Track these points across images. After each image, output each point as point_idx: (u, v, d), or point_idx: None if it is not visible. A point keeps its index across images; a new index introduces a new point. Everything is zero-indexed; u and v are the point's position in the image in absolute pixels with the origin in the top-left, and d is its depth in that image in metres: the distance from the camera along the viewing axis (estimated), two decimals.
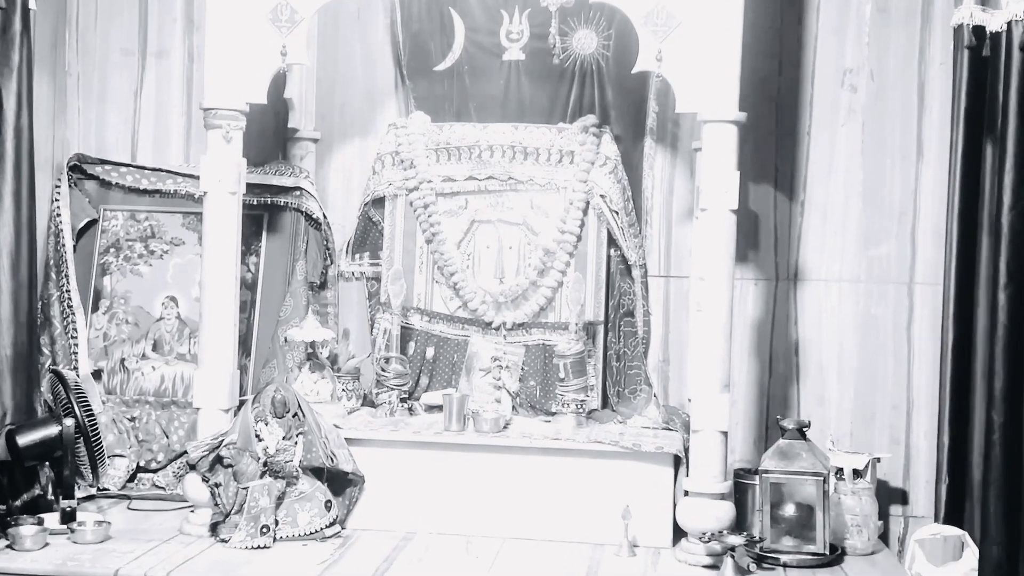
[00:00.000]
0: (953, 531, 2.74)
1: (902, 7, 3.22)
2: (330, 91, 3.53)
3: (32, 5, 3.15)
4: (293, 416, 2.89)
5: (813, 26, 3.30)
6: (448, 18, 3.38)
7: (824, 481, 2.75)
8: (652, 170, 3.37)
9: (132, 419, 3.38)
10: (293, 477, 2.85)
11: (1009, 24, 2.67)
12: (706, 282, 2.77)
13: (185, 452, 3.06)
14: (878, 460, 3.00)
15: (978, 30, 2.80)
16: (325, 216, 3.44)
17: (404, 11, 3.41)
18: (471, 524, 2.89)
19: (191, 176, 3.31)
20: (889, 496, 3.17)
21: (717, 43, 2.72)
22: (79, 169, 3.54)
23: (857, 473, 2.92)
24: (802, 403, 3.30)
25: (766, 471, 2.80)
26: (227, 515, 2.80)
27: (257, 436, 2.85)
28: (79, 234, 3.51)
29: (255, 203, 3.33)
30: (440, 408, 3.04)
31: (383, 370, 3.19)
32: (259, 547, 2.72)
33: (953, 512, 2.87)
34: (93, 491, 3.16)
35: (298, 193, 3.42)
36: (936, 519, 2.93)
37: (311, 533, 2.81)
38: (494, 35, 3.35)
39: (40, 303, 3.39)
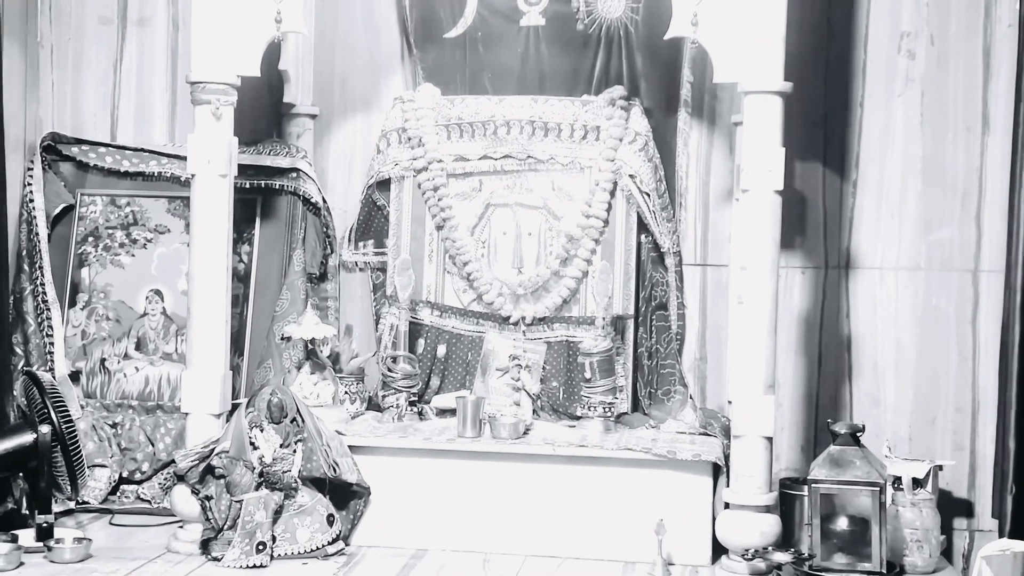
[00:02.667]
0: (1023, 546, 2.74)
1: None
2: (329, 62, 3.54)
3: None
4: (291, 421, 2.89)
5: None
6: None
7: (880, 492, 2.72)
8: (687, 147, 3.36)
9: (114, 425, 3.39)
10: (292, 489, 2.85)
11: None
12: (748, 271, 2.77)
13: (173, 462, 3.07)
14: (940, 468, 2.99)
15: None
16: (325, 200, 3.45)
17: None
18: (488, 540, 2.89)
19: (177, 157, 3.32)
20: (953, 508, 3.15)
21: (759, 5, 2.70)
22: (53, 150, 3.55)
23: (917, 483, 2.89)
24: (855, 405, 3.29)
25: (816, 481, 2.76)
26: (219, 531, 2.80)
27: (252, 444, 2.85)
28: (54, 221, 3.53)
29: (248, 186, 3.34)
30: (453, 412, 3.04)
31: (390, 370, 3.17)
32: (255, 566, 2.72)
33: (1021, 524, 2.84)
34: (72, 505, 3.16)
35: (295, 175, 3.43)
36: (1003, 533, 2.89)
37: (312, 550, 2.81)
38: (511, 1, 3.36)
39: (12, 298, 3.42)
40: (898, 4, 3.28)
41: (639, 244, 3.26)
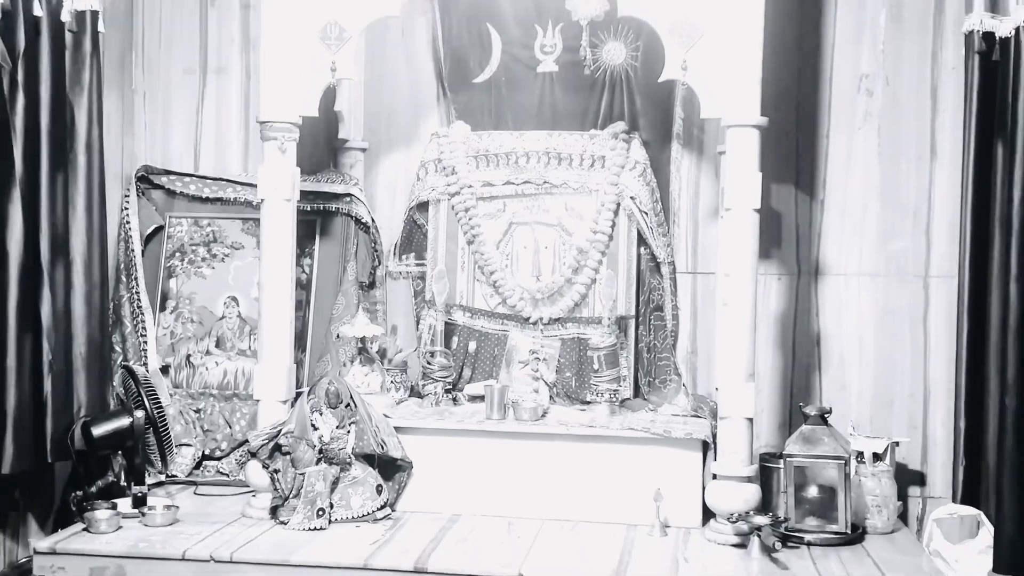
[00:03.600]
0: (969, 511, 2.74)
1: (915, 15, 3.20)
2: (377, 103, 3.54)
3: (101, 28, 3.20)
4: (346, 406, 2.90)
5: (830, 34, 3.29)
6: (486, 34, 3.37)
7: (845, 464, 2.77)
8: (679, 173, 3.35)
9: (197, 411, 3.41)
10: (346, 463, 2.86)
11: (1017, 30, 2.67)
12: (731, 278, 2.77)
13: (246, 441, 3.08)
14: (897, 444, 2.99)
15: (988, 36, 2.80)
16: (373, 220, 3.45)
17: (444, 28, 3.42)
18: (512, 507, 2.90)
19: (249, 184, 3.34)
20: (908, 478, 3.15)
21: (739, 52, 2.72)
22: (146, 180, 3.56)
23: (877, 457, 2.92)
24: (824, 391, 3.29)
25: (790, 455, 2.80)
26: (286, 499, 2.82)
27: (313, 425, 2.86)
28: (147, 240, 3.53)
29: (308, 209, 3.34)
30: (482, 398, 3.04)
31: (429, 363, 3.19)
32: (315, 529, 2.74)
33: (969, 493, 2.86)
34: (162, 478, 3.19)
35: (348, 199, 3.43)
36: (953, 499, 2.91)
37: (364, 515, 2.82)
38: (529, 49, 3.35)
39: (112, 304, 3.43)
40: (858, 50, 3.27)
41: (639, 255, 3.25)
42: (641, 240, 3.23)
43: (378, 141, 3.54)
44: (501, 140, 3.33)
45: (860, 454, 2.91)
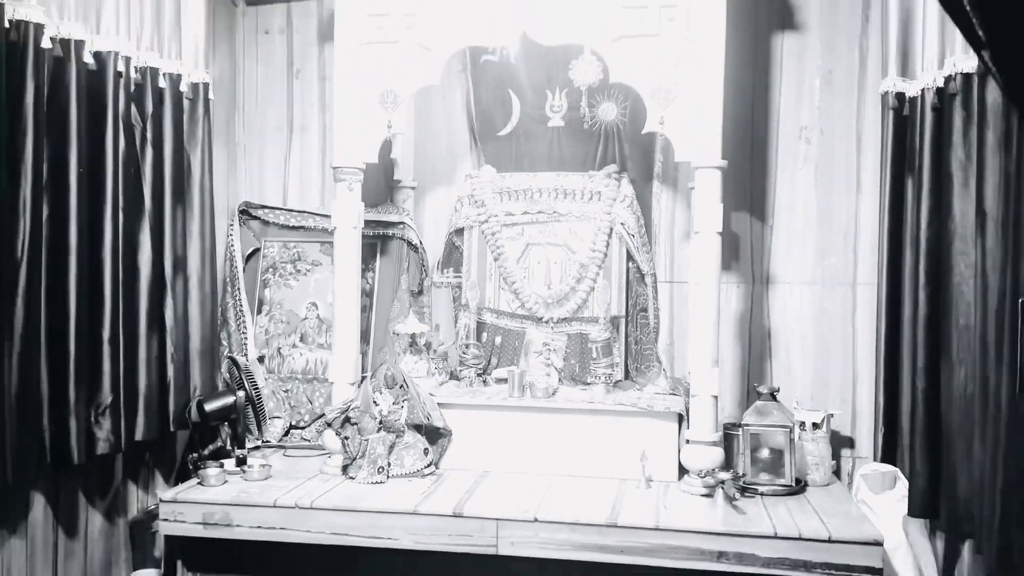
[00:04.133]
0: (888, 468, 2.76)
1: (843, 79, 3.20)
2: (423, 152, 3.55)
3: (210, 95, 3.27)
4: (400, 387, 2.92)
5: (777, 95, 3.28)
6: (507, 98, 3.39)
7: (790, 432, 2.78)
8: (659, 204, 3.35)
9: (286, 391, 3.43)
10: (400, 431, 2.87)
11: (922, 91, 2.67)
12: (700, 286, 2.78)
13: (324, 414, 3.11)
14: (831, 416, 2.99)
15: (899, 95, 2.82)
16: (421, 243, 3.47)
17: (475, 93, 3.43)
18: (529, 465, 2.91)
19: (325, 216, 3.36)
20: (840, 442, 3.16)
21: (704, 110, 2.73)
22: (246, 212, 3.60)
23: (815, 426, 2.91)
24: (774, 375, 3.29)
25: (747, 424, 2.82)
26: (353, 459, 2.84)
27: (374, 402, 2.89)
28: (247, 259, 3.57)
29: (371, 234, 3.37)
30: (506, 380, 3.06)
31: (464, 353, 3.20)
32: (377, 482, 2.77)
33: (888, 453, 2.87)
34: (259, 443, 3.23)
35: (401, 226, 3.47)
36: (875, 459, 2.92)
37: (414, 472, 2.84)
38: (541, 109, 3.36)
39: (219, 309, 3.47)
40: (799, 107, 3.26)
41: (628, 268, 3.25)
42: (629, 257, 3.23)
43: (424, 181, 3.56)
44: (520, 179, 3.35)
45: (802, 423, 2.90)
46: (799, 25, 3.25)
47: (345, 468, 2.84)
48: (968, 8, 0.93)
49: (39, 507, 2.73)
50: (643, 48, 2.78)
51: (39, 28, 2.50)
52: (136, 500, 3.21)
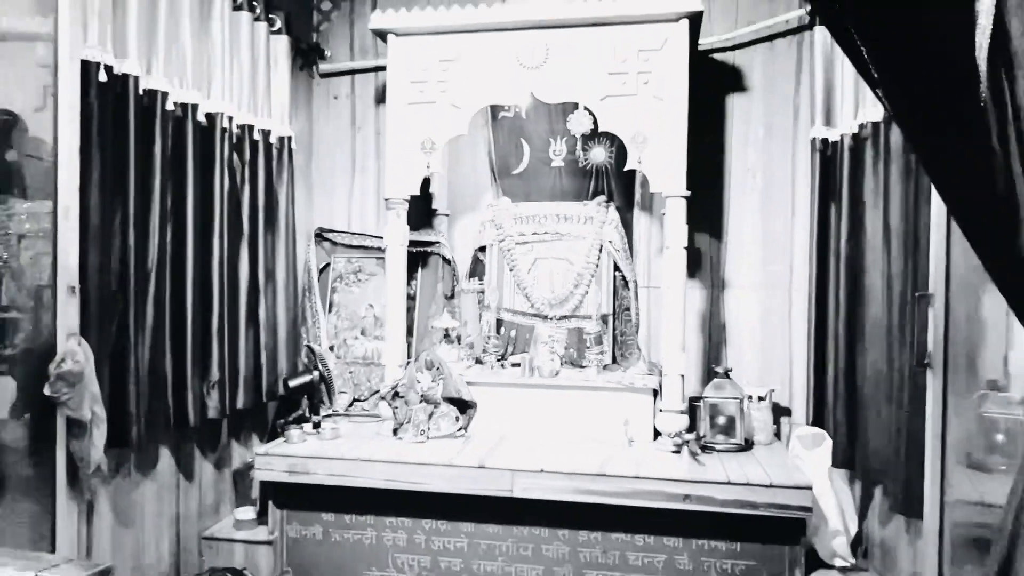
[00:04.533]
0: (817, 430, 2.76)
1: (780, 129, 3.20)
2: (456, 186, 3.54)
3: (293, 145, 3.31)
4: (437, 369, 2.91)
5: (730, 141, 3.28)
6: (520, 144, 3.40)
7: (741, 402, 2.79)
8: (639, 225, 3.34)
9: (350, 372, 3.43)
10: (437, 403, 2.87)
11: (842, 136, 2.74)
12: (670, 290, 2.79)
13: (378, 390, 3.12)
14: (773, 391, 3.00)
15: (824, 140, 2.85)
16: (453, 258, 3.46)
17: (495, 141, 3.43)
18: (537, 431, 2.90)
19: (379, 237, 3.35)
20: (780, 411, 3.14)
21: (672, 151, 2.75)
22: (320, 235, 3.60)
23: (760, 398, 2.92)
24: (729, 359, 3.27)
25: (706, 397, 2.85)
26: (401, 424, 2.86)
27: (417, 380, 2.88)
28: (320, 271, 3.57)
29: (414, 251, 3.35)
30: (519, 364, 3.04)
31: (486, 343, 3.20)
32: (419, 442, 2.78)
33: (817, 418, 2.87)
34: (330, 412, 3.24)
35: (438, 245, 3.46)
36: (807, 423, 2.92)
37: (448, 434, 2.85)
38: (545, 152, 3.36)
39: (300, 309, 3.49)
40: (746, 150, 3.25)
41: (614, 277, 3.23)
42: (616, 267, 3.22)
43: (455, 209, 3.55)
44: (529, 208, 3.34)
45: (750, 396, 2.89)
46: (746, 87, 3.26)
47: (395, 431, 2.87)
48: (864, 54, 0.97)
49: (165, 458, 2.77)
50: (624, 105, 2.80)
51: (165, 95, 2.59)
52: (237, 454, 3.23)
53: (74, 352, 2.19)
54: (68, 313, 2.26)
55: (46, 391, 2.15)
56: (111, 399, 2.35)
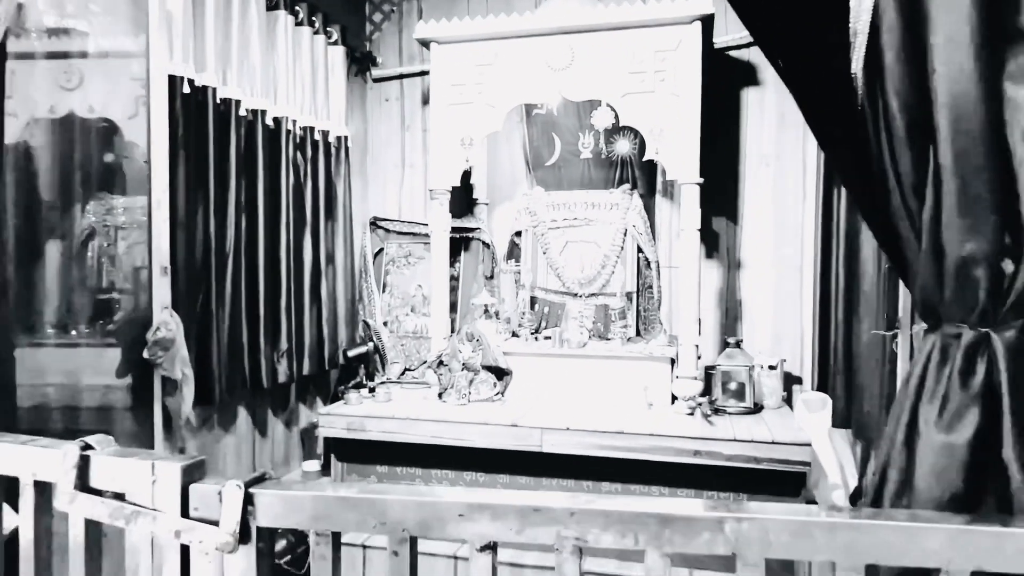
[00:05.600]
0: (820, 394, 2.77)
1: (791, 119, 3.17)
2: (494, 176, 3.59)
3: (349, 143, 3.42)
4: (477, 341, 2.97)
5: (745, 131, 3.29)
6: (552, 138, 3.44)
7: (751, 370, 2.83)
8: (660, 210, 3.36)
9: (402, 344, 3.52)
10: (477, 371, 2.94)
11: None
12: (685, 269, 2.86)
13: (426, 360, 3.20)
14: (784, 360, 3.01)
15: None
16: (492, 242, 3.53)
17: (529, 136, 3.48)
18: (567, 394, 2.95)
19: (425, 224, 3.44)
20: (792, 379, 3.16)
21: (686, 143, 2.79)
22: (374, 223, 3.70)
23: (771, 367, 2.94)
24: (744, 332, 3.30)
25: (719, 364, 2.89)
26: (446, 389, 2.94)
27: (460, 351, 2.96)
28: (375, 255, 3.67)
29: (457, 236, 3.43)
30: (550, 337, 3.09)
31: (522, 318, 3.27)
32: (461, 404, 2.86)
33: (821, 384, 2.88)
34: (384, 379, 3.31)
35: (478, 231, 3.53)
36: (813, 389, 2.93)
37: (487, 398, 2.92)
38: (574, 145, 3.40)
39: (357, 289, 3.60)
40: (760, 139, 3.26)
41: (638, 258, 3.26)
42: (639, 249, 3.24)
43: (493, 198, 3.61)
44: (561, 196, 3.37)
45: (763, 366, 2.91)
46: (760, 81, 3.27)
47: (440, 395, 2.94)
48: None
49: (242, 416, 2.94)
50: (643, 101, 2.85)
51: (238, 102, 2.76)
52: (304, 414, 3.38)
53: (167, 322, 2.40)
54: (161, 290, 2.45)
55: (144, 355, 2.37)
56: (197, 362, 2.54)
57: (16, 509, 1.15)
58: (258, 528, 0.95)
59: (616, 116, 3.00)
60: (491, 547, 0.89)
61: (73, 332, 2.45)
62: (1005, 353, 0.85)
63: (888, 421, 0.93)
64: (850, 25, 0.89)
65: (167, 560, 0.97)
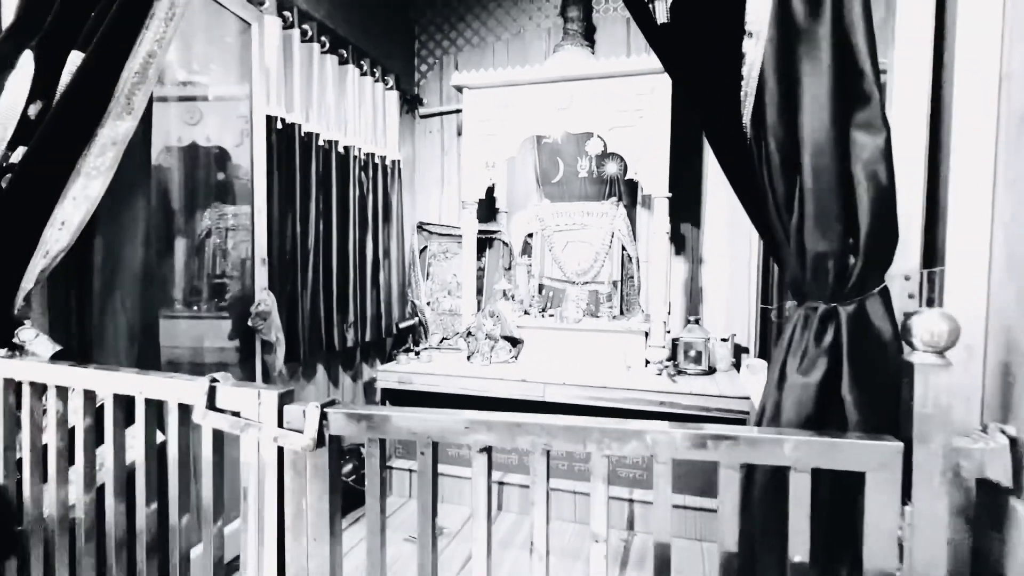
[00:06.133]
0: (761, 360, 2.78)
1: None
2: (511, 192, 3.62)
3: (400, 166, 3.45)
4: (496, 317, 3.04)
5: (707, 154, 3.26)
6: (556, 161, 3.46)
7: (707, 341, 2.88)
8: (640, 218, 3.37)
9: (440, 319, 3.58)
10: (497, 340, 3.01)
11: None
12: (656, 263, 2.90)
13: (458, 332, 3.31)
14: (734, 335, 3.05)
15: None
16: (510, 242, 3.56)
17: (539, 159, 3.49)
18: (564, 358, 3.00)
19: (458, 227, 3.51)
20: (740, 349, 3.17)
21: (659, 165, 2.82)
22: (420, 227, 3.75)
23: (724, 339, 2.99)
24: (704, 312, 3.31)
25: (681, 337, 2.94)
26: (473, 354, 2.99)
27: (483, 324, 3.03)
28: (421, 251, 3.71)
29: (482, 237, 3.49)
30: (553, 315, 3.15)
31: (532, 299, 3.33)
32: (484, 365, 2.91)
33: (762, 353, 2.91)
34: (427, 346, 3.38)
35: (499, 233, 3.57)
36: (755, 356, 2.98)
37: (504, 361, 2.98)
38: (574, 167, 3.43)
39: (407, 277, 3.64)
40: (714, 161, 3.28)
41: (622, 254, 3.29)
42: (623, 247, 3.28)
43: (511, 207, 3.62)
44: (564, 206, 3.40)
45: (720, 339, 2.97)
46: None
47: (468, 357, 3.00)
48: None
49: (320, 371, 3.03)
50: (626, 133, 2.90)
51: (317, 135, 2.86)
52: (366, 371, 3.45)
53: (265, 299, 2.56)
54: (261, 275, 2.59)
55: (248, 323, 2.53)
56: (287, 330, 2.66)
57: (163, 428, 1.32)
58: (330, 436, 1.10)
59: (605, 145, 3.06)
60: (487, 450, 1.04)
61: (196, 307, 2.60)
62: (847, 321, 0.97)
63: (769, 370, 1.05)
64: (742, 87, 1.01)
65: (267, 458, 1.13)
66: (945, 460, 0.83)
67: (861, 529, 0.85)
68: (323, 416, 1.09)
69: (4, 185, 1.41)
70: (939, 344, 0.82)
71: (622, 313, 3.28)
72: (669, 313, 3.03)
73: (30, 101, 1.43)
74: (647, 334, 2.97)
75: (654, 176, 2.88)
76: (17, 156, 1.41)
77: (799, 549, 0.89)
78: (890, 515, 0.84)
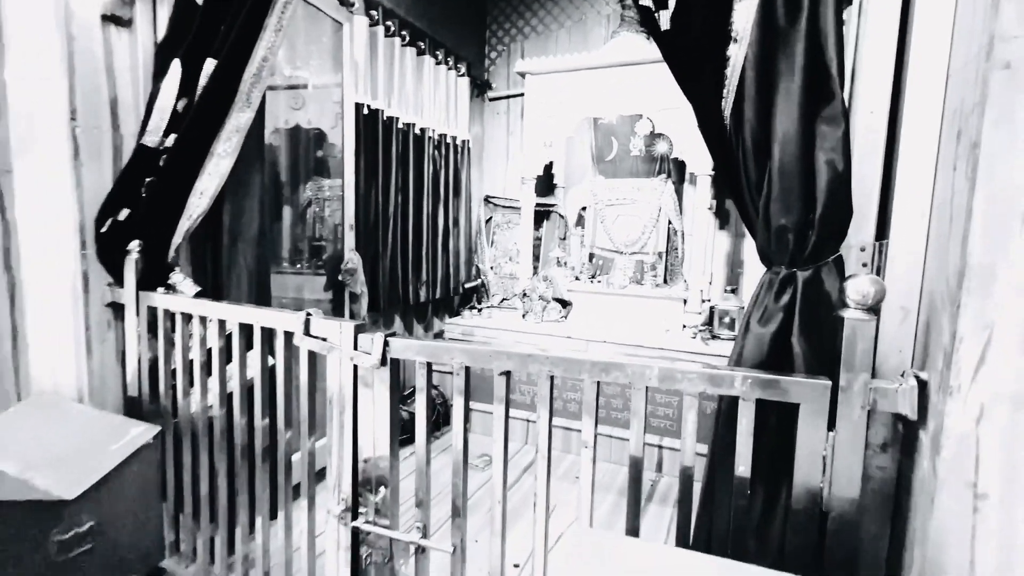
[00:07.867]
0: None
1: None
2: (568, 168, 3.64)
3: (470, 145, 3.58)
4: (549, 281, 3.17)
5: None
6: (611, 140, 3.50)
7: (741, 309, 2.89)
8: (687, 194, 3.36)
9: (502, 282, 3.71)
10: (549, 301, 3.12)
11: None
12: (698, 236, 2.94)
13: (516, 293, 3.44)
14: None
15: None
16: (565, 214, 3.60)
17: (595, 138, 3.52)
18: (610, 321, 3.10)
19: (519, 200, 3.51)
20: None
21: (702, 144, 2.68)
22: (487, 199, 3.88)
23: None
24: (744, 284, 3.26)
25: (717, 304, 2.97)
26: (527, 312, 3.12)
27: (537, 287, 3.13)
28: (486, 221, 3.83)
29: (540, 209, 3.55)
30: (601, 281, 3.24)
31: (583, 267, 3.40)
32: (537, 323, 3.03)
33: None
34: (489, 304, 3.53)
35: (556, 206, 3.62)
36: None
37: (554, 320, 3.09)
38: (627, 146, 3.46)
39: (473, 244, 3.79)
40: None
41: (668, 227, 3.31)
42: (669, 221, 3.30)
43: (568, 183, 3.64)
44: (616, 182, 3.44)
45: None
46: None
47: (523, 316, 3.13)
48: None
49: (397, 321, 3.26)
50: (673, 115, 2.91)
51: (397, 119, 3.05)
52: (436, 323, 3.63)
53: (352, 259, 2.86)
54: (349, 238, 2.83)
55: (339, 278, 2.85)
56: (370, 285, 2.83)
57: (272, 352, 1.64)
58: (392, 359, 1.37)
59: (653, 125, 3.13)
60: (507, 373, 1.27)
61: (299, 265, 2.94)
62: (802, 284, 1.09)
63: (740, 322, 1.20)
64: (725, 86, 1.13)
65: (345, 372, 1.42)
66: (863, 396, 0.96)
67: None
68: (386, 343, 1.35)
69: (161, 164, 1.77)
70: (866, 302, 0.95)
71: (665, 282, 3.32)
72: (710, 283, 3.06)
73: (178, 99, 1.76)
74: (685, 301, 3.04)
75: (698, 154, 2.91)
76: (170, 141, 1.75)
77: (743, 463, 1.05)
78: (817, 439, 0.99)
